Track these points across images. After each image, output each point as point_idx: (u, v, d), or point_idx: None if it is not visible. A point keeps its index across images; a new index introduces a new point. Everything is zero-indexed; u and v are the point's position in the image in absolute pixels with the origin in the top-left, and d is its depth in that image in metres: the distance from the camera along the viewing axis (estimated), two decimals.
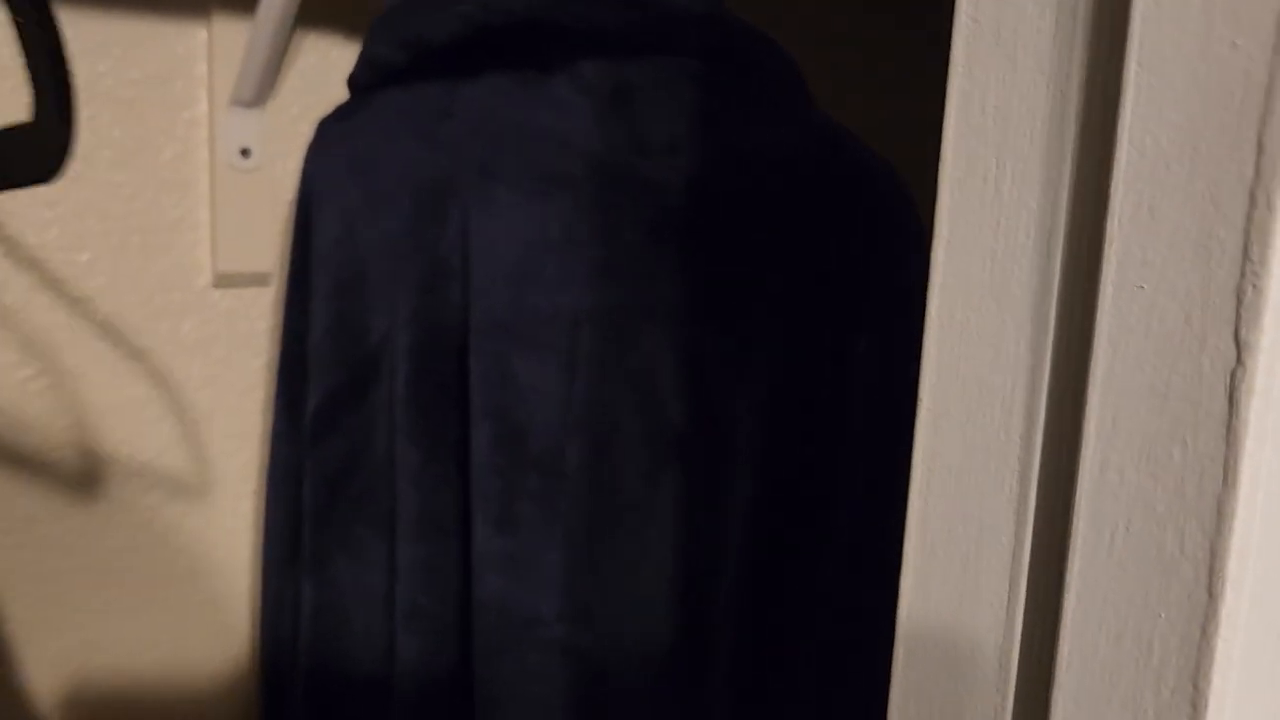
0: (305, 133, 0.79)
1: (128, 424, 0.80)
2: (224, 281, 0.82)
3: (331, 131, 0.71)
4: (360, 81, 0.70)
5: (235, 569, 0.86)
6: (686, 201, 0.56)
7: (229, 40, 0.79)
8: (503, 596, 0.62)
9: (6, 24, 0.46)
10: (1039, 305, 0.29)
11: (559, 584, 0.60)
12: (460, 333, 0.63)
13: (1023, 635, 0.29)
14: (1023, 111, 0.29)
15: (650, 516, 0.59)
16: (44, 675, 0.79)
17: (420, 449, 0.64)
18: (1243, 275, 0.24)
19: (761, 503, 0.57)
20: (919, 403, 0.31)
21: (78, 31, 0.75)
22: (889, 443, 0.55)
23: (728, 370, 0.56)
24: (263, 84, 0.79)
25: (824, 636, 0.57)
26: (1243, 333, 0.24)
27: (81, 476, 0.79)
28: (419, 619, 0.65)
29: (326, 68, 0.83)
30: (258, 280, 0.83)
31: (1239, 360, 0.24)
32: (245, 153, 0.81)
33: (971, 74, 0.30)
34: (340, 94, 0.73)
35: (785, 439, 0.57)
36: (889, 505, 0.58)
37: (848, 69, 1.05)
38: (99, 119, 0.77)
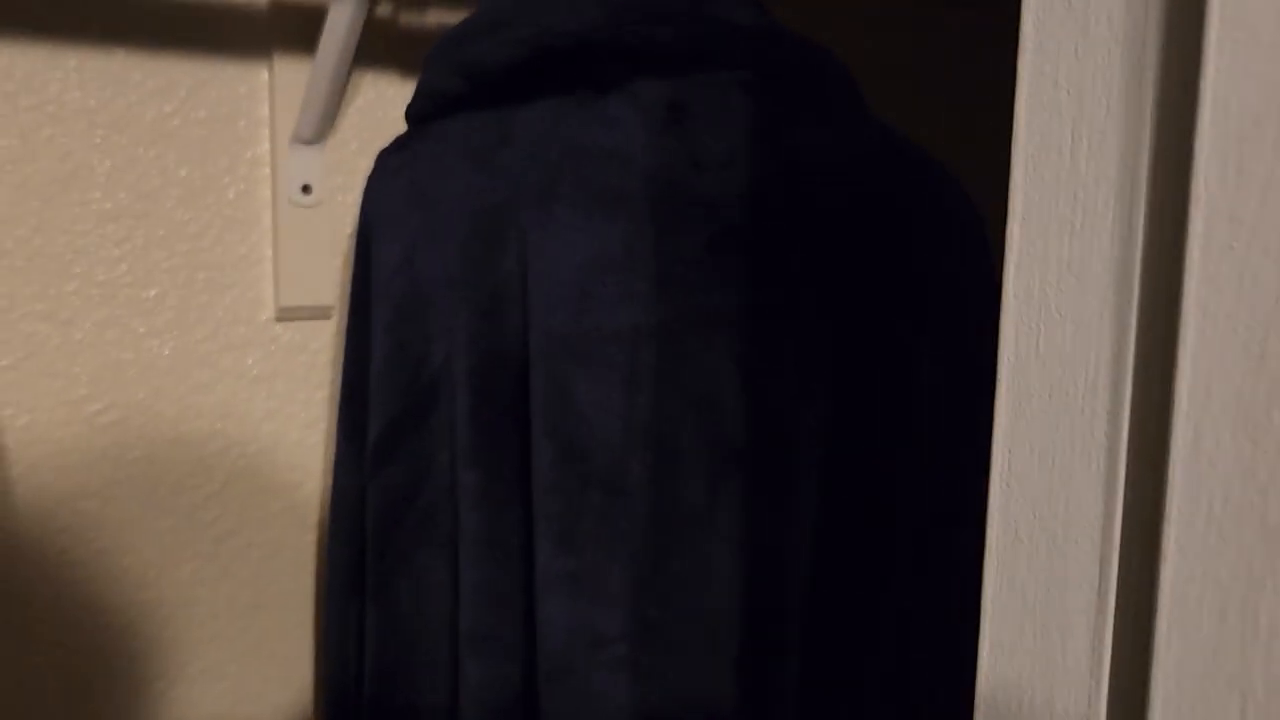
0: (364, 168, 0.80)
1: (194, 457, 0.81)
2: (286, 315, 0.83)
3: (390, 163, 0.72)
4: (418, 113, 0.71)
5: (299, 601, 0.86)
6: (743, 214, 0.56)
7: (290, 80, 0.81)
8: (567, 616, 0.61)
9: None
10: (1122, 276, 0.28)
11: (623, 602, 0.60)
12: (520, 355, 0.64)
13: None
14: (1098, 81, 0.28)
15: (713, 531, 0.58)
16: (115, 708, 0.80)
17: (481, 471, 0.64)
18: None
19: (826, 514, 0.56)
20: (998, 382, 0.31)
21: (145, 74, 0.77)
22: (955, 446, 0.54)
23: (788, 382, 0.56)
24: (323, 122, 0.81)
25: (891, 647, 0.56)
26: None
27: (149, 510, 0.80)
28: (482, 642, 0.64)
29: (384, 104, 0.85)
30: (319, 314, 0.84)
31: None
32: (306, 189, 0.82)
33: (1043, 47, 0.30)
34: (397, 129, 0.75)
35: (848, 449, 0.56)
36: (957, 511, 0.57)
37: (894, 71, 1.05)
38: (166, 158, 0.79)
